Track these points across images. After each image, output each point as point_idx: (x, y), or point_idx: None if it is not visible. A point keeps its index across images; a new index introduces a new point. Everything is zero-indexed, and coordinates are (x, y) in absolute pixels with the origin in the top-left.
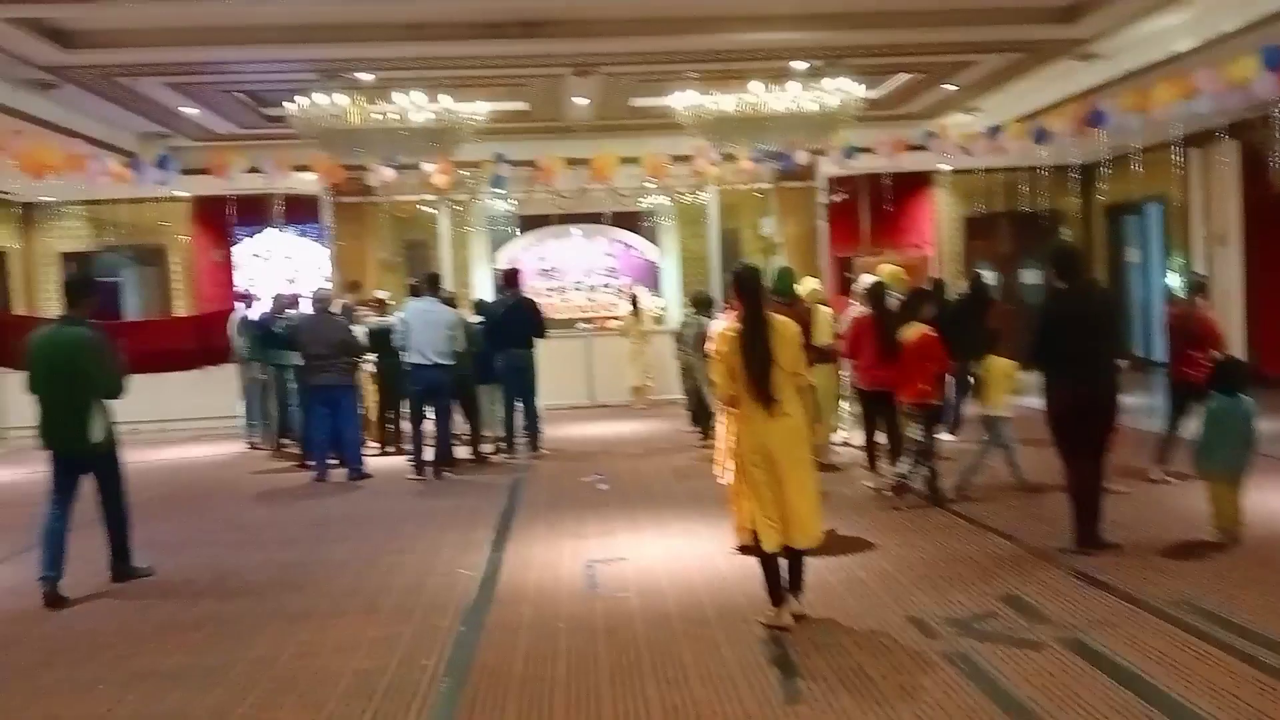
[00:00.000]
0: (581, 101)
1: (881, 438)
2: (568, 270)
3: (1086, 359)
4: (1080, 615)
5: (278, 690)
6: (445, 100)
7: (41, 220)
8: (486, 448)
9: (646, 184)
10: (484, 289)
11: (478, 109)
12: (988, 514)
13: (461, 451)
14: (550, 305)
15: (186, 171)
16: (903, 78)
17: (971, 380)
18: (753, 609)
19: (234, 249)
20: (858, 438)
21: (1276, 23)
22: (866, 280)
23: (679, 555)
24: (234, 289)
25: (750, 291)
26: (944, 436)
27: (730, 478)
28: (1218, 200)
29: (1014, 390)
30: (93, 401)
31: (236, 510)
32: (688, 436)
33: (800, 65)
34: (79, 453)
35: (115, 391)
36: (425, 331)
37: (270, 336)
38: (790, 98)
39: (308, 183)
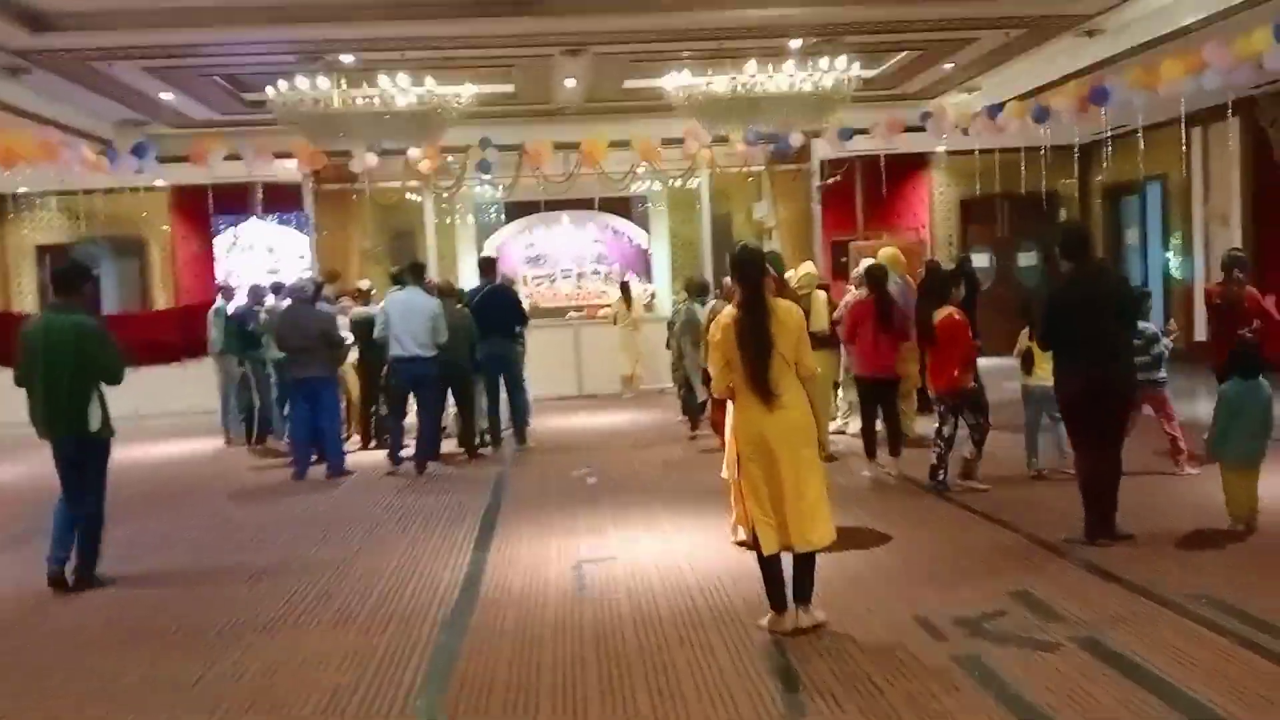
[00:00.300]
0: (571, 83)
1: (880, 426)
2: (556, 257)
3: (1098, 343)
4: (1094, 612)
5: (243, 708)
6: (430, 83)
7: (17, 212)
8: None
9: (637, 168)
10: (471, 278)
11: (464, 92)
12: (992, 504)
13: (450, 445)
14: (539, 293)
15: (165, 159)
16: (900, 56)
17: None
18: (750, 612)
19: (215, 239)
20: (854, 425)
21: None
22: (865, 264)
23: (671, 553)
24: (214, 280)
25: (750, 274)
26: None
27: (730, 473)
28: (1220, 179)
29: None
30: (93, 388)
31: (213, 510)
32: (679, 427)
33: (796, 43)
34: (75, 439)
35: (117, 377)
36: (406, 322)
37: (245, 329)
38: (785, 78)
39: (289, 171)
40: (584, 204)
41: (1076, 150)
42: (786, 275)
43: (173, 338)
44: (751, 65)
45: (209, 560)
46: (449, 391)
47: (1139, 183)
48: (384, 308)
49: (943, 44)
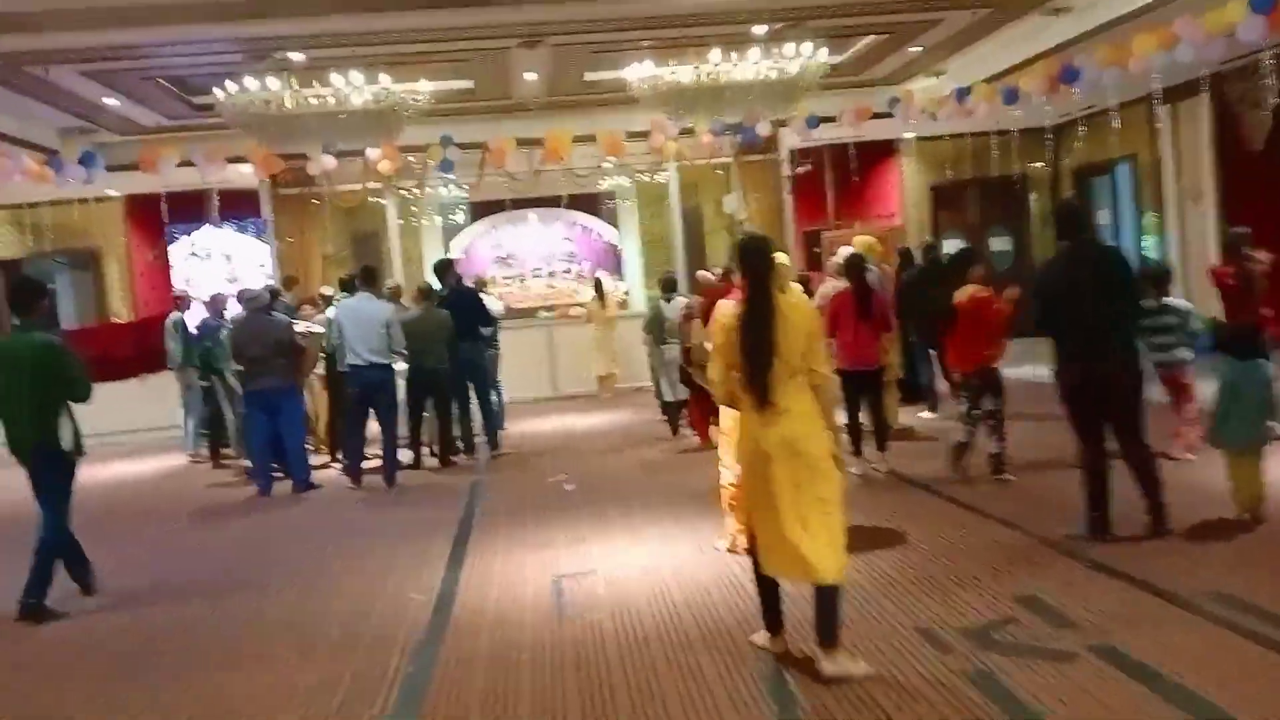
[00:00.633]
0: (531, 77)
1: (864, 420)
2: (525, 257)
3: (1095, 327)
4: (1106, 614)
5: None
6: (385, 80)
7: None
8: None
9: (604, 163)
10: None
11: (421, 89)
12: (986, 498)
13: (417, 454)
14: (509, 294)
15: (114, 168)
16: (866, 40)
17: (933, 354)
18: (741, 629)
19: (170, 249)
20: (839, 420)
21: None
22: (844, 253)
23: (655, 565)
24: (172, 291)
25: (755, 265)
26: (924, 415)
27: (728, 476)
28: (1191, 156)
29: None
30: (60, 407)
31: (171, 531)
32: (659, 427)
33: (760, 30)
34: (44, 457)
35: (84, 394)
36: (358, 330)
37: (206, 344)
38: (750, 66)
39: (245, 176)
40: (551, 202)
41: (1047, 132)
42: None
43: (129, 352)
44: (715, 54)
45: (166, 584)
46: (426, 398)
47: (1110, 163)
48: (334, 316)
49: (908, 26)
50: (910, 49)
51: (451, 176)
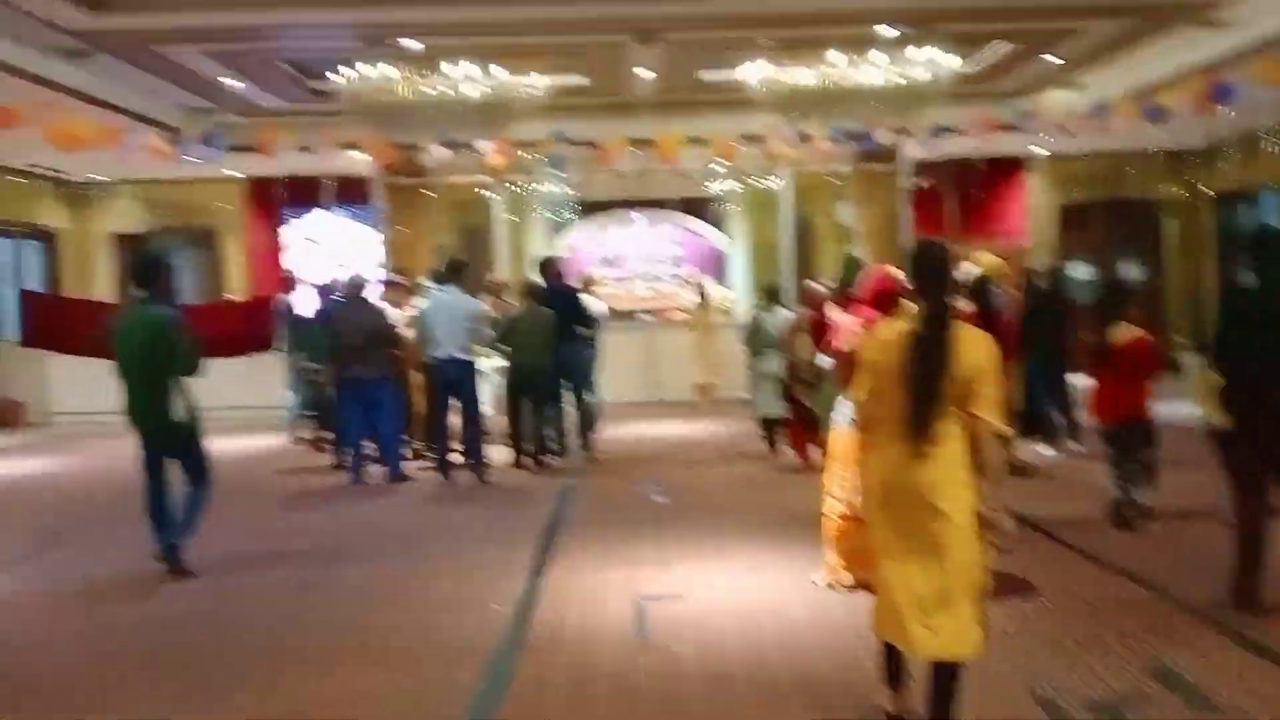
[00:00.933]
0: (645, 74)
1: None
2: (630, 258)
3: (1269, 363)
4: (1253, 698)
5: None
6: (499, 73)
7: (93, 200)
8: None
9: (715, 166)
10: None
11: (535, 83)
12: (1119, 551)
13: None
14: (611, 295)
15: (233, 149)
16: (999, 48)
17: (1061, 389)
18: (839, 676)
19: (284, 231)
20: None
21: None
22: (968, 271)
23: (746, 596)
24: (282, 273)
25: (935, 281)
26: (1048, 452)
27: (834, 506)
28: None
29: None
30: (171, 381)
31: (259, 517)
32: (756, 442)
33: (887, 32)
34: (162, 432)
35: (193, 369)
36: (443, 323)
37: (309, 325)
38: (873, 70)
39: (358, 163)
40: (659, 203)
41: (1189, 153)
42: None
43: (239, 330)
44: (837, 56)
45: (243, 577)
46: (524, 396)
47: (1256, 189)
48: (423, 308)
49: (1046, 35)
50: (1046, 59)
51: (561, 173)
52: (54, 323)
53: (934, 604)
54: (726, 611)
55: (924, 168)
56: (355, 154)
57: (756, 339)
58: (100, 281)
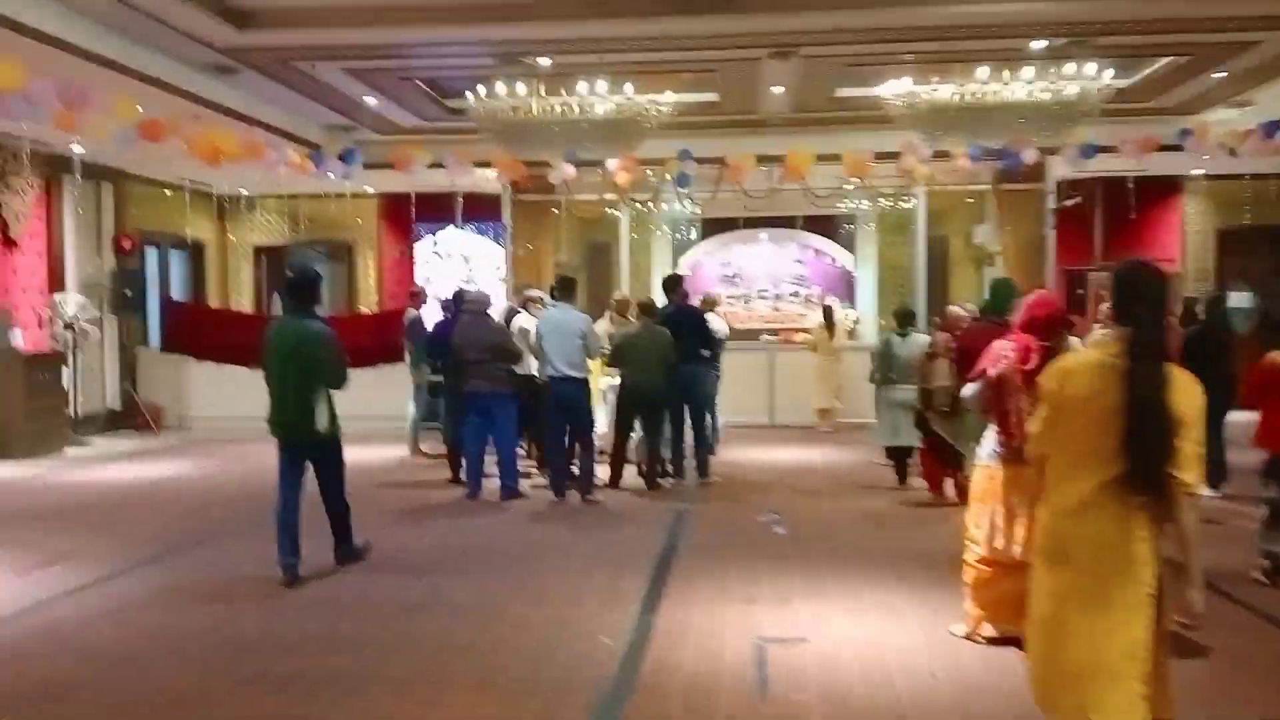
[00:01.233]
0: (778, 91)
1: None
2: (753, 277)
3: None
4: None
5: None
6: (628, 89)
7: (236, 213)
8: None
9: (845, 185)
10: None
11: (664, 99)
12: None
13: (617, 472)
14: (732, 314)
15: (369, 165)
16: (1161, 63)
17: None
18: None
19: (416, 246)
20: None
21: None
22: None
23: (875, 643)
24: (412, 287)
25: (1149, 305)
26: (1207, 493)
27: (975, 551)
28: None
29: None
30: (319, 391)
31: (373, 530)
32: (881, 471)
33: (1038, 45)
34: (306, 440)
35: (340, 382)
36: (556, 341)
37: (433, 339)
38: (1021, 86)
39: (489, 180)
40: (785, 222)
41: None
42: None
43: (372, 342)
44: (983, 71)
45: (353, 594)
46: (635, 416)
47: None
48: (537, 326)
49: (1214, 48)
50: (1213, 75)
51: (686, 191)
52: (194, 330)
53: (1111, 669)
54: (854, 660)
55: (1071, 187)
56: (485, 172)
57: (888, 364)
58: (242, 291)
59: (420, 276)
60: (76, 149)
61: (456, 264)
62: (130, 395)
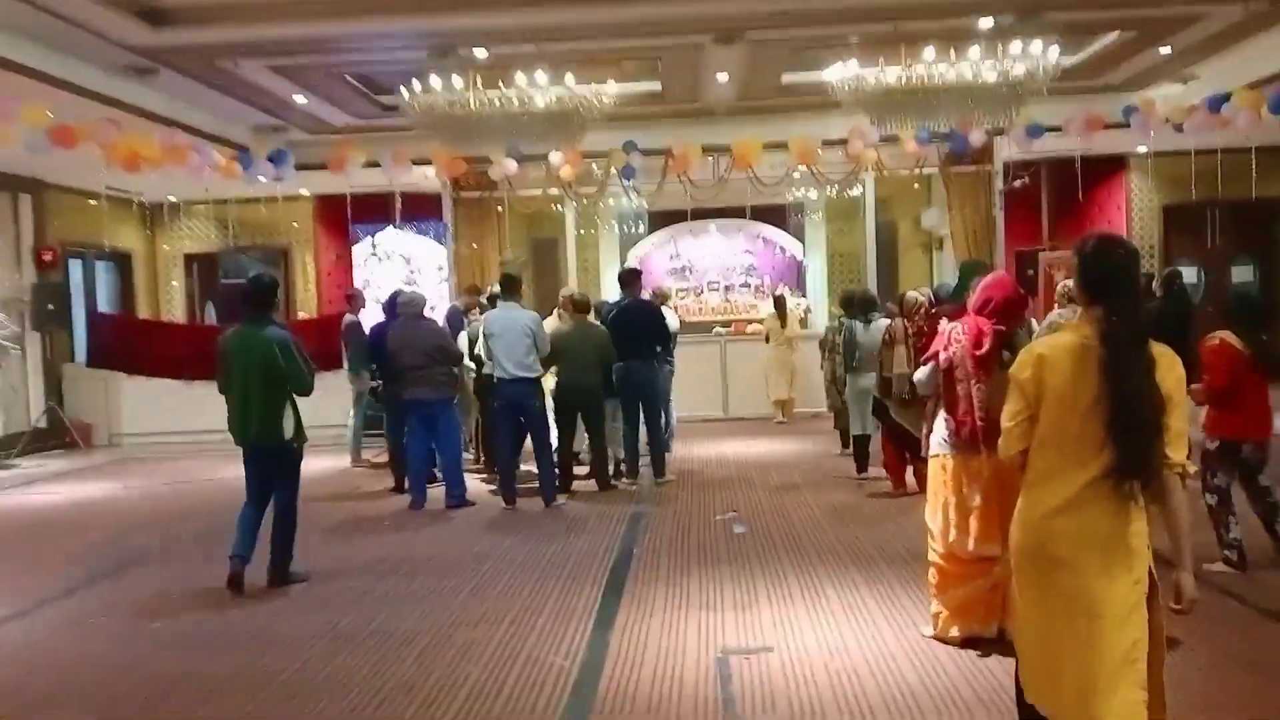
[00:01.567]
0: (723, 79)
1: None
2: (703, 269)
3: None
4: None
5: None
6: (569, 80)
7: (165, 221)
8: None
9: (793, 173)
10: (614, 291)
11: (607, 90)
12: (1273, 597)
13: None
14: (682, 306)
15: (302, 167)
16: (1109, 39)
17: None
18: None
19: (353, 249)
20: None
21: None
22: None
23: (844, 649)
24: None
25: (1122, 283)
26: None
27: (939, 549)
28: None
29: None
30: (285, 399)
31: (311, 546)
32: (840, 462)
33: (986, 23)
34: (272, 446)
35: (306, 387)
36: (504, 341)
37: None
38: (968, 66)
39: (427, 178)
40: (734, 212)
41: None
42: None
43: (311, 349)
44: (929, 52)
45: (286, 621)
46: (577, 417)
47: None
48: (486, 327)
49: (1162, 23)
50: (1159, 50)
51: (632, 184)
52: (123, 343)
53: (1109, 674)
54: (823, 669)
55: (1019, 168)
56: (424, 170)
57: (853, 351)
58: (173, 301)
59: (359, 280)
60: None
61: (397, 265)
62: (57, 413)
